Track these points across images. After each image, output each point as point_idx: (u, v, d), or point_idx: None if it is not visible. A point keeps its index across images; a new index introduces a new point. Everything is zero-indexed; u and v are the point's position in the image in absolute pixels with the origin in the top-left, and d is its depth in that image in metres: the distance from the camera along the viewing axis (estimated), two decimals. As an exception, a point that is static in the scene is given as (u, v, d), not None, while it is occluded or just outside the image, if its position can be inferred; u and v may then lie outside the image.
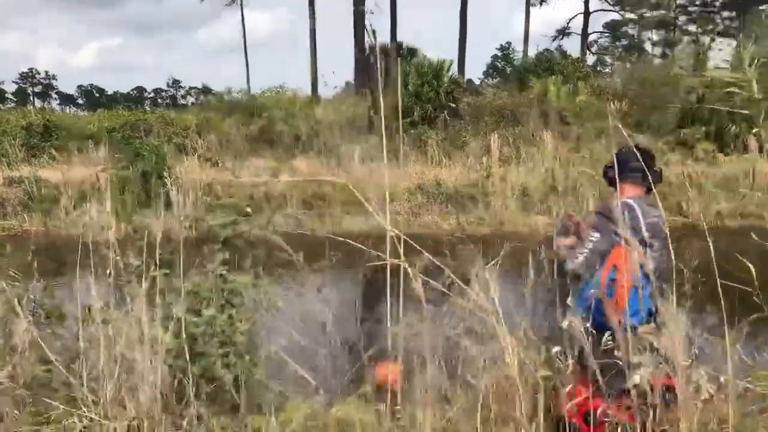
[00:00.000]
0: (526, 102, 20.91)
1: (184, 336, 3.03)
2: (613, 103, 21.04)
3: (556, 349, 3.02)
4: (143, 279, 3.64)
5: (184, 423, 2.82)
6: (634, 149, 3.36)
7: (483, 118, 20.30)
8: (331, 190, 15.25)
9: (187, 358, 2.95)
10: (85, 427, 2.67)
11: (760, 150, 16.05)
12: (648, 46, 31.56)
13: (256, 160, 18.65)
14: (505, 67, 39.66)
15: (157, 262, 3.80)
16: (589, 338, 2.63)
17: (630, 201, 3.34)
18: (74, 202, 14.90)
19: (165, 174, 15.18)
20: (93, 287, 4.67)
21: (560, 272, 3.43)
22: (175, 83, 49.95)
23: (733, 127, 16.88)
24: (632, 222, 3.21)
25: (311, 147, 19.09)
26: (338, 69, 52.06)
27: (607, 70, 33.33)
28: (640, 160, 3.31)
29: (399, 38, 28.71)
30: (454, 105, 20.08)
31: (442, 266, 2.81)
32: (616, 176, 3.33)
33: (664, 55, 31.69)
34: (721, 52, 21.09)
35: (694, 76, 19.13)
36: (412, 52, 25.89)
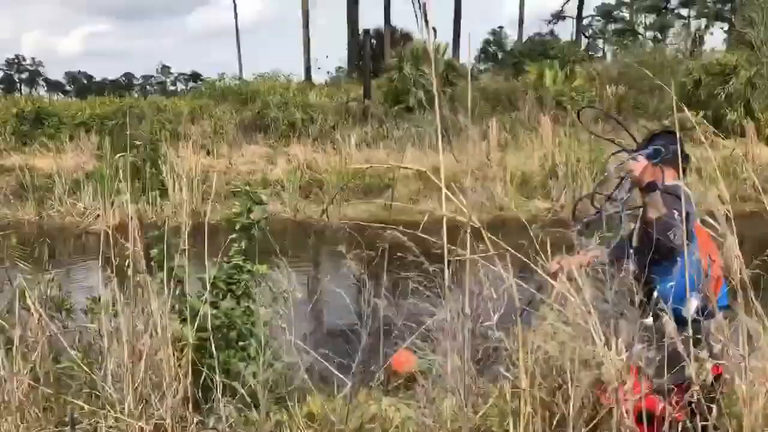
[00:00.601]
0: (521, 87, 20.79)
1: (209, 328, 2.89)
2: (609, 87, 20.98)
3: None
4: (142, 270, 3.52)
5: (211, 421, 2.70)
6: (667, 134, 3.27)
7: (479, 103, 20.15)
8: (328, 178, 15.10)
9: (213, 353, 2.83)
10: (110, 427, 2.55)
11: (758, 134, 16.04)
12: (641, 30, 31.42)
13: (250, 146, 18.44)
14: (497, 51, 39.41)
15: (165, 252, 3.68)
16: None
17: (677, 182, 3.24)
18: (68, 191, 14.73)
19: (160, 162, 14.99)
20: (103, 279, 4.55)
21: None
22: (165, 69, 49.47)
23: (731, 112, 16.83)
24: (689, 200, 3.11)
25: (306, 133, 18.90)
26: (332, 53, 51.56)
27: (599, 54, 33.20)
28: (669, 143, 3.21)
29: (393, 22, 28.48)
30: (450, 90, 19.90)
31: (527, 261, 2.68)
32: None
33: (656, 39, 31.59)
34: (712, 37, 21.06)
35: (691, 60, 19.10)
36: (406, 36, 25.67)
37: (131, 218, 3.68)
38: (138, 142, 15.53)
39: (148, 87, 47.29)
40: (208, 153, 17.35)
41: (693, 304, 3.01)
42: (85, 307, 4.39)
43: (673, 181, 3.28)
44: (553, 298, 3.06)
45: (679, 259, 3.04)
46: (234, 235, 4.07)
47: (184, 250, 3.67)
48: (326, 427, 3.39)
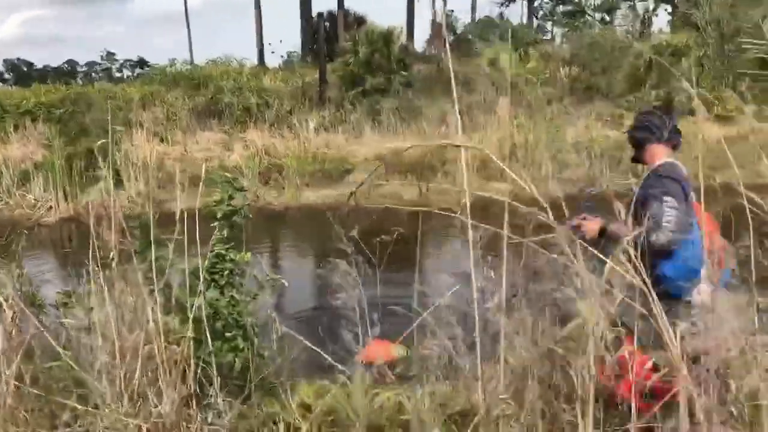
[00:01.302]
0: (476, 69, 20.82)
1: (201, 320, 2.77)
2: (563, 68, 21.21)
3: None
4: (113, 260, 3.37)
5: (210, 417, 2.60)
6: (659, 110, 3.28)
7: (435, 85, 20.12)
8: (287, 163, 14.89)
9: (210, 346, 2.72)
10: (106, 428, 2.42)
11: (708, 113, 16.41)
12: (589, 12, 31.82)
13: (205, 133, 18.05)
14: (447, 34, 39.20)
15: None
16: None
17: (672, 161, 3.26)
18: (16, 182, 14.18)
19: (113, 150, 14.56)
20: (75, 271, 4.37)
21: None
22: (110, 56, 48.03)
23: (681, 92, 17.17)
24: (685, 178, 3.13)
25: (263, 118, 18.59)
26: (284, 36, 50.73)
27: (548, 37, 33.52)
28: (665, 120, 3.23)
29: (346, 5, 28.17)
30: (406, 73, 19.80)
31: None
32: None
33: (603, 21, 32.04)
34: (657, 18, 21.48)
35: (640, 41, 19.43)
36: (360, 19, 25.42)
37: (114, 206, 3.52)
38: (89, 129, 15.11)
39: (93, 74, 45.80)
40: (162, 140, 16.92)
41: (705, 289, 3.02)
42: (54, 302, 4.22)
43: (665, 158, 3.30)
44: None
45: (677, 247, 3.06)
46: (216, 223, 3.95)
47: (167, 240, 3.53)
48: (320, 416, 3.32)
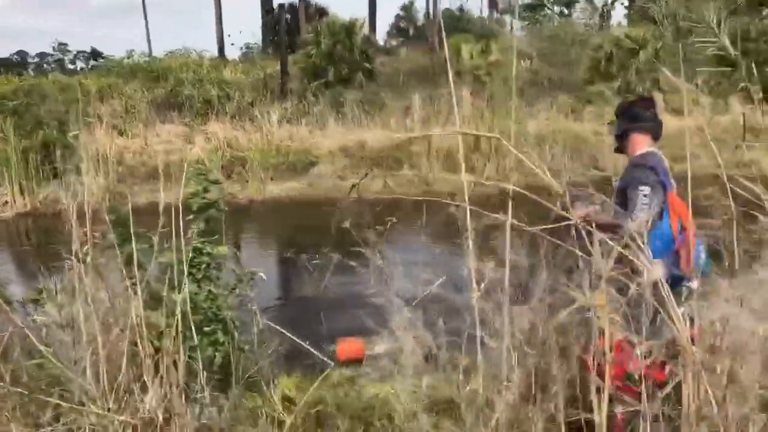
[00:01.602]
0: (439, 62, 20.94)
1: (182, 314, 2.74)
2: (523, 61, 21.44)
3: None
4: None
5: (197, 411, 2.58)
6: (641, 100, 3.34)
7: (398, 78, 20.18)
8: (251, 156, 14.73)
9: (195, 340, 2.69)
10: (92, 425, 2.38)
11: (665, 105, 16.79)
12: (549, 5, 32.20)
13: (165, 125, 17.75)
14: (408, 26, 39.40)
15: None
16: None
17: (653, 150, 3.32)
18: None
19: (71, 143, 14.22)
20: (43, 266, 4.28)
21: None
22: (62, 47, 46.71)
23: (640, 84, 17.56)
24: (665, 168, 3.19)
25: (224, 111, 18.37)
26: (245, 28, 49.97)
27: (508, 29, 33.80)
28: (647, 109, 3.30)
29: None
30: (368, 65, 19.79)
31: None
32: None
33: (562, 14, 32.47)
34: (615, 12, 21.86)
35: (599, 34, 19.77)
36: (322, 11, 25.27)
37: (86, 199, 3.45)
38: (45, 122, 14.72)
39: (44, 65, 44.51)
40: (120, 133, 16.58)
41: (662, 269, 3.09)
42: (20, 299, 4.12)
43: (647, 148, 3.37)
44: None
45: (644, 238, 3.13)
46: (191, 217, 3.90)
47: (146, 233, 3.48)
48: (304, 409, 3.32)
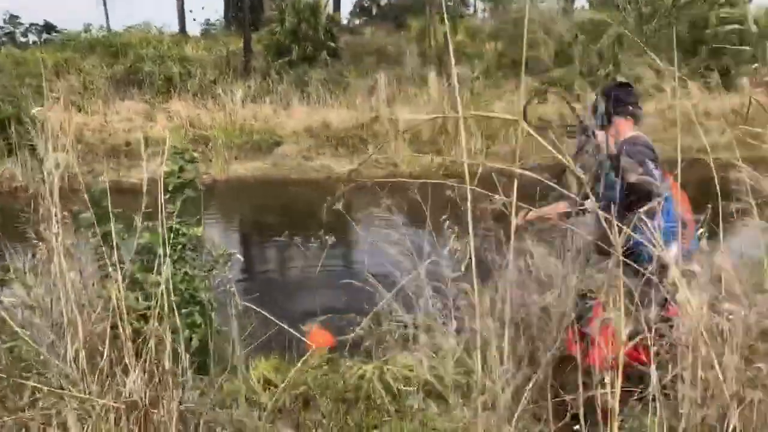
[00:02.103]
0: (405, 42, 20.83)
1: (171, 297, 2.69)
2: (488, 43, 21.46)
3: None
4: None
5: (181, 393, 2.54)
6: (621, 85, 3.36)
7: (363, 58, 20.02)
8: (214, 135, 14.50)
9: (177, 322, 2.65)
10: (75, 409, 2.33)
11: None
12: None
13: (125, 103, 17.33)
14: (371, 6, 39.01)
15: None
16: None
17: (640, 134, 3.36)
18: None
19: (26, 120, 13.79)
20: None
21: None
22: (13, 19, 45.06)
23: (603, 68, 17.75)
24: (655, 152, 3.23)
25: (185, 88, 18.01)
26: (207, 3, 48.76)
27: (471, 11, 33.79)
28: (629, 94, 3.32)
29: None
30: (333, 44, 19.58)
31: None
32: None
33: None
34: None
35: (564, 18, 19.91)
36: (285, -12, 24.82)
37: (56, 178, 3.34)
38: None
39: (-6, 39, 42.82)
40: (79, 110, 16.15)
41: (674, 250, 3.13)
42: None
43: (631, 132, 3.40)
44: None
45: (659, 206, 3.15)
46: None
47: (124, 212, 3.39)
48: (285, 391, 3.30)
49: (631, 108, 3.40)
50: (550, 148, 1.83)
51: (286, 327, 3.22)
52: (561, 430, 2.46)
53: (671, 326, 2.80)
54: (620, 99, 3.38)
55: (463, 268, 3.15)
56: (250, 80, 18.25)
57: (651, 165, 3.13)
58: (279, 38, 19.47)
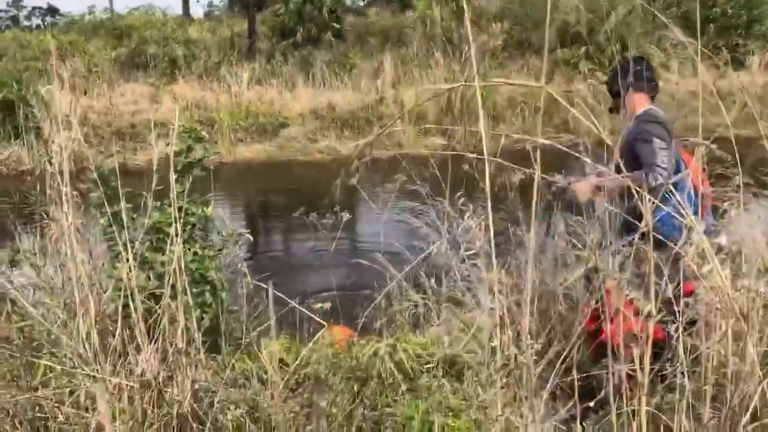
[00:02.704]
0: (410, 23, 20.65)
1: (183, 276, 2.66)
2: (494, 23, 21.27)
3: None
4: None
5: (194, 372, 2.52)
6: (638, 59, 3.31)
7: (368, 39, 19.87)
8: (220, 117, 14.45)
9: (189, 300, 2.62)
10: (87, 387, 2.31)
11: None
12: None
13: (129, 85, 17.26)
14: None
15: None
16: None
17: (654, 108, 3.31)
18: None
19: (32, 103, 13.76)
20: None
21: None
22: (16, 2, 44.94)
23: (610, 47, 17.56)
24: (670, 127, 3.18)
25: (190, 71, 17.93)
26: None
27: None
28: (646, 69, 3.27)
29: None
30: (338, 25, 19.43)
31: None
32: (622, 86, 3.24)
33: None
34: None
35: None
36: (289, -31, 24.62)
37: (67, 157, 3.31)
38: (5, 80, 14.21)
39: (-3, 22, 42.78)
40: (84, 92, 16.09)
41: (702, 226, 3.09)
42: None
43: (646, 106, 3.35)
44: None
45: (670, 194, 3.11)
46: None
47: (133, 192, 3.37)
48: (297, 370, 3.28)
49: (646, 82, 3.34)
50: (579, 116, 1.78)
51: (296, 305, 3.19)
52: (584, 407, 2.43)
53: (687, 304, 2.77)
54: (635, 73, 3.32)
55: (478, 245, 3.12)
56: (255, 62, 18.16)
57: (657, 142, 3.09)
58: (283, 19, 19.33)
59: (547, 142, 1.91)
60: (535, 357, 1.88)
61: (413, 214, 4.08)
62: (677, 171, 3.17)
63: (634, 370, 2.05)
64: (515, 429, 2.03)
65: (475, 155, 2.37)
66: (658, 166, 3.03)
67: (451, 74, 16.10)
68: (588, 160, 2.41)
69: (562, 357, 2.06)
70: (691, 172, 3.13)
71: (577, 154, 2.20)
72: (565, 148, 2.19)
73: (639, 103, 3.37)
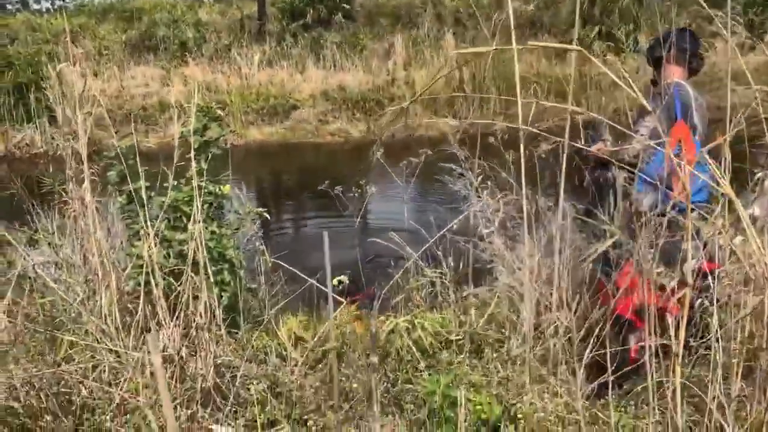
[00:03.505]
0: (421, 3, 20.48)
1: (204, 254, 2.67)
2: (510, 1, 21.03)
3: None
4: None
5: (220, 349, 2.53)
6: (681, 30, 3.26)
7: (378, 20, 19.73)
8: (231, 99, 14.42)
9: (210, 278, 2.63)
10: (110, 362, 2.33)
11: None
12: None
13: (140, 68, 17.24)
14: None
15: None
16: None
17: (682, 81, 3.25)
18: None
19: (44, 85, 13.81)
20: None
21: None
22: (26, -14, 44.83)
23: (624, 27, 17.37)
24: (686, 102, 3.13)
25: (200, 53, 17.88)
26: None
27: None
28: (688, 41, 3.22)
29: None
30: (348, 6, 19.28)
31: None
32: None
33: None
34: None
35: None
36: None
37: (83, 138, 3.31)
38: (16, 63, 14.24)
39: (8, 6, 42.81)
40: (95, 75, 16.10)
41: (648, 199, 3.09)
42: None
43: (678, 79, 3.29)
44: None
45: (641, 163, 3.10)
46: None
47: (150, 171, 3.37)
48: (315, 346, 3.29)
49: (686, 55, 3.26)
50: (620, 82, 1.74)
51: (315, 282, 3.19)
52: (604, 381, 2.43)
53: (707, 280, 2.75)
54: (674, 44, 3.23)
55: (496, 223, 3.11)
56: (265, 44, 18.07)
57: (646, 122, 3.08)
58: (293, 1, 19.18)
59: (579, 109, 1.88)
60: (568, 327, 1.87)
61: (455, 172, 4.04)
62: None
63: (663, 344, 2.05)
64: (540, 405, 2.03)
65: (506, 124, 2.35)
66: (636, 138, 2.99)
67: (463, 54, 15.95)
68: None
69: (597, 329, 2.05)
70: (681, 140, 3.07)
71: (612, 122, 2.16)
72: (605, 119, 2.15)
73: (671, 74, 3.30)
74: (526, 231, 2.21)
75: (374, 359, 2.32)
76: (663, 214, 2.51)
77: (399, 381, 2.90)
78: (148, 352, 2.46)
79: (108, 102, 14.83)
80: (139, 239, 3.22)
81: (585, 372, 2.48)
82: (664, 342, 2.10)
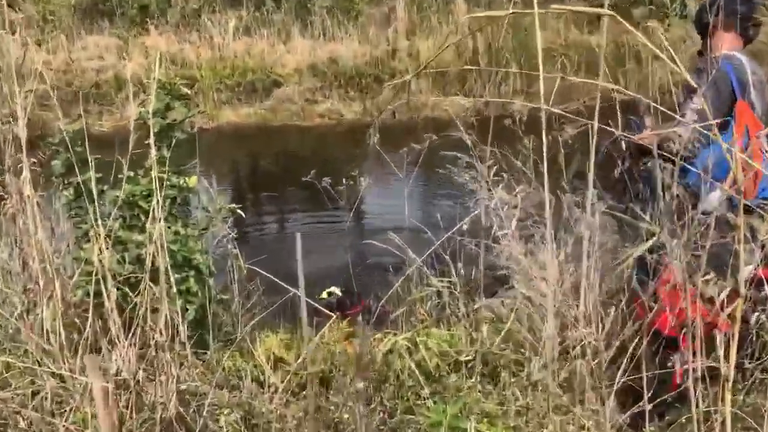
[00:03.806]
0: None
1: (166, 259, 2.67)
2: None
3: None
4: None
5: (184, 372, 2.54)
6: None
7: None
8: (201, 75, 14.44)
9: (174, 287, 2.63)
10: (55, 388, 2.33)
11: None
12: None
13: (92, 37, 17.23)
14: None
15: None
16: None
17: (736, 53, 3.25)
18: None
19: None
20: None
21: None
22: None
23: None
24: (741, 77, 3.13)
25: (165, 19, 17.87)
26: None
27: None
28: (741, 4, 3.22)
29: None
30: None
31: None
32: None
33: None
34: None
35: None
36: None
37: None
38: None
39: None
40: (38, 45, 16.08)
41: (714, 196, 3.07)
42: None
43: (730, 49, 3.29)
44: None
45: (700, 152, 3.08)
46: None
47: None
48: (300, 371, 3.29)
49: (738, 20, 3.26)
50: (664, 57, 1.74)
51: (299, 294, 3.19)
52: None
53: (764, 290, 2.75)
54: (725, 10, 3.22)
55: (513, 224, 3.12)
56: (242, 8, 18.04)
57: (695, 104, 3.06)
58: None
59: (613, 86, 1.88)
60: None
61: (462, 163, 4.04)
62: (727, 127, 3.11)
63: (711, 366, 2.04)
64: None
65: (527, 104, 2.35)
66: (681, 126, 2.97)
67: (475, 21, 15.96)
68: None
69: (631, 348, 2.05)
70: (748, 127, 3.08)
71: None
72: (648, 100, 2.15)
73: (721, 44, 3.29)
74: (549, 231, 2.21)
75: (359, 385, 2.32)
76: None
77: (398, 410, 2.91)
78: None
79: (54, 77, 14.85)
80: (89, 241, 3.23)
81: (616, 399, 2.48)
82: (712, 364, 2.09)
